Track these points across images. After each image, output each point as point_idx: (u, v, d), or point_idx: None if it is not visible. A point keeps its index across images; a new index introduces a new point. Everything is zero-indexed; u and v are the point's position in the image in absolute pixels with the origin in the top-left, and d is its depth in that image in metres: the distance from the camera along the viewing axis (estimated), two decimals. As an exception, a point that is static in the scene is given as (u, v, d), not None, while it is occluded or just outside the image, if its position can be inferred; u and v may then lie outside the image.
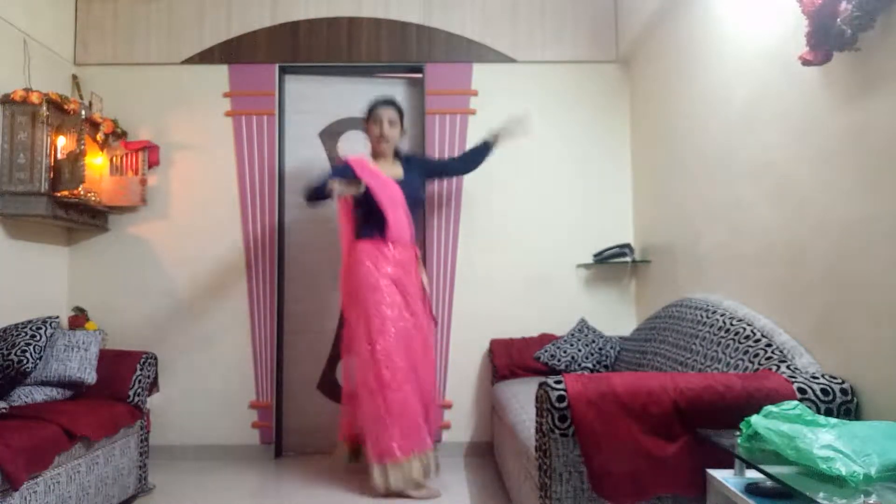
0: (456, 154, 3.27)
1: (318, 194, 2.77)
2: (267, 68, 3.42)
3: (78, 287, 3.34)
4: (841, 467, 1.13)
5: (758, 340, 1.88)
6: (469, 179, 3.42)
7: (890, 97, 1.50)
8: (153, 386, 2.79)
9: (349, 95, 3.54)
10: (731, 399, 1.56)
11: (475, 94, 3.45)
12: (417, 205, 2.95)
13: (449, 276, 3.39)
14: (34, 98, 2.78)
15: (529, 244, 3.41)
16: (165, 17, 3.44)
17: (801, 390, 1.57)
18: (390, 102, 2.91)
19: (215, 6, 3.45)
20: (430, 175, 3.07)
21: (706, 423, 1.55)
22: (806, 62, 1.67)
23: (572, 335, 3.15)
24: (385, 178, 2.80)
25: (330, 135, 3.54)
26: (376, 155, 2.93)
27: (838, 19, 1.53)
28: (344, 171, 2.79)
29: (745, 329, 1.95)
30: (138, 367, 2.66)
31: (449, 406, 3.34)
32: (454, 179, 3.42)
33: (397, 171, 2.90)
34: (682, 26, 2.73)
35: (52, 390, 2.50)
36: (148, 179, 3.35)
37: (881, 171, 1.53)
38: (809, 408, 1.47)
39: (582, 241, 3.40)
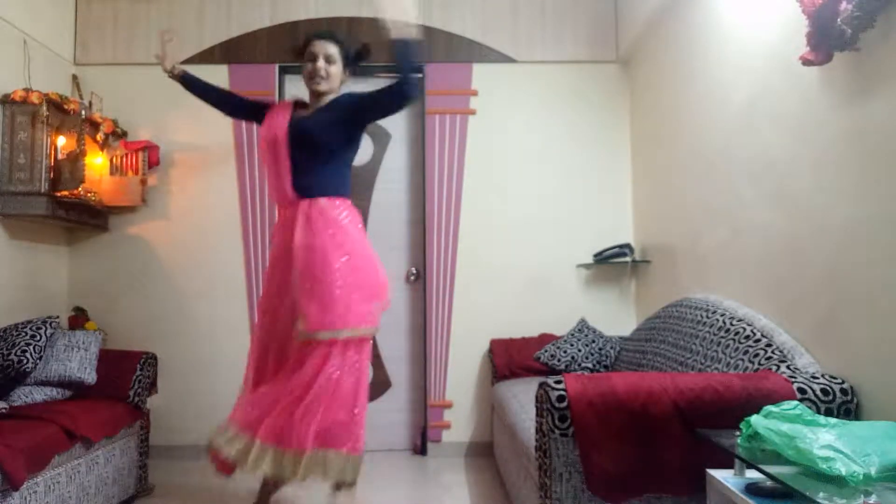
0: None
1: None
2: (267, 68, 3.42)
3: (78, 287, 3.34)
4: (841, 467, 1.13)
5: (758, 340, 1.87)
6: (469, 179, 3.42)
7: (890, 97, 1.50)
8: (153, 386, 2.78)
9: (349, 95, 3.53)
10: (730, 399, 1.56)
11: (475, 94, 3.45)
12: (318, 148, 2.22)
13: (449, 276, 3.39)
14: (34, 98, 2.78)
15: (529, 244, 3.41)
16: (165, 17, 3.44)
17: (801, 390, 1.57)
18: (329, 35, 2.33)
19: (215, 6, 3.45)
20: (357, 111, 2.26)
21: (706, 423, 1.55)
22: (806, 62, 1.67)
23: (572, 335, 3.15)
24: (276, 120, 2.28)
25: (330, 135, 3.54)
26: (311, 98, 2.35)
27: (838, 19, 1.53)
28: (262, 104, 2.46)
29: (745, 329, 1.95)
30: (138, 367, 2.66)
31: (449, 406, 3.34)
32: (453, 179, 3.42)
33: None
34: (682, 26, 2.73)
35: (52, 390, 2.50)
36: (148, 179, 3.35)
37: (881, 171, 1.53)
38: (809, 408, 1.46)
39: (582, 241, 3.40)
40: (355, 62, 2.37)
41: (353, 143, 2.31)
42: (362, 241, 2.27)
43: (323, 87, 2.29)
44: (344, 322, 2.09)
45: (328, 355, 2.07)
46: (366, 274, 2.21)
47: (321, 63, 2.28)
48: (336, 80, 2.32)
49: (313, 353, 2.07)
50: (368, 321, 2.17)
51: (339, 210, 2.22)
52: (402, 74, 2.15)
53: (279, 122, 2.26)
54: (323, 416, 2.05)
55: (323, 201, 2.20)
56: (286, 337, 2.20)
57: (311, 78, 2.29)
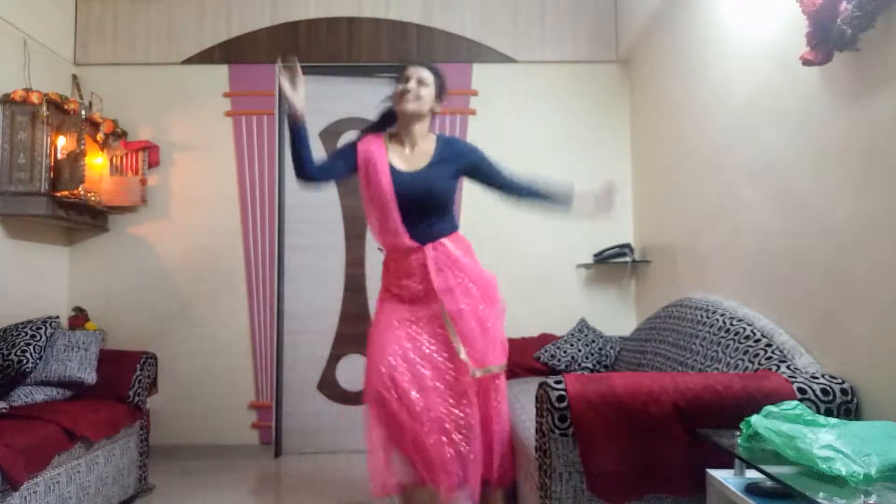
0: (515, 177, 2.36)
1: (295, 145, 2.19)
2: (267, 68, 3.42)
3: (78, 287, 3.34)
4: (841, 467, 1.13)
5: (758, 340, 1.87)
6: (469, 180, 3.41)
7: (890, 97, 1.50)
8: (153, 386, 2.79)
9: (349, 95, 3.54)
10: (731, 399, 1.56)
11: (475, 94, 3.45)
12: (431, 202, 2.20)
13: (449, 276, 3.38)
14: (34, 98, 2.78)
15: (529, 244, 3.41)
16: (165, 17, 3.44)
17: (801, 390, 1.57)
18: (424, 63, 2.29)
19: (215, 6, 3.45)
20: (469, 173, 2.31)
21: (706, 423, 1.55)
22: (806, 62, 1.67)
23: (572, 335, 3.15)
24: (380, 168, 2.19)
25: (330, 135, 3.54)
26: (402, 125, 2.26)
27: (838, 19, 1.53)
28: (348, 151, 2.25)
29: (745, 329, 1.95)
30: (138, 367, 2.66)
31: (449, 406, 3.34)
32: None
33: (421, 157, 2.22)
34: (682, 26, 2.73)
35: (52, 390, 2.50)
36: (148, 179, 3.35)
37: (881, 170, 1.53)
38: (809, 408, 1.46)
39: (582, 241, 3.40)
40: (442, 98, 2.28)
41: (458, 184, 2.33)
42: (482, 269, 2.31)
43: (411, 107, 2.20)
44: (504, 354, 2.21)
45: (498, 388, 2.16)
46: (492, 301, 2.26)
47: (413, 84, 2.20)
48: (426, 103, 2.22)
49: (490, 387, 2.13)
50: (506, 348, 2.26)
51: (460, 247, 2.26)
52: (527, 200, 2.28)
53: (382, 176, 2.18)
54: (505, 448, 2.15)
55: (447, 244, 2.21)
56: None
57: (402, 96, 2.21)
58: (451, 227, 2.29)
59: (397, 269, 2.25)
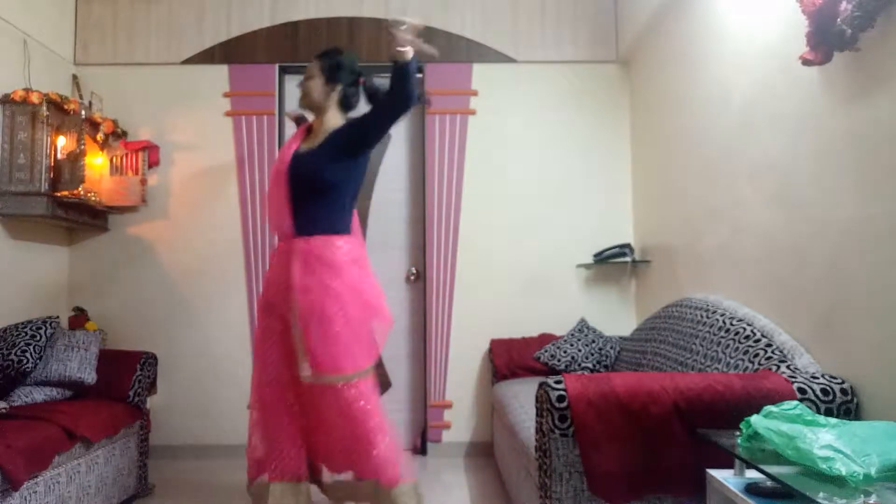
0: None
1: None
2: (267, 68, 3.42)
3: (78, 287, 3.34)
4: (841, 467, 1.13)
5: (758, 340, 1.87)
6: (469, 179, 3.42)
7: (890, 97, 1.50)
8: (153, 386, 2.78)
9: (349, 95, 3.53)
10: (731, 399, 1.56)
11: (475, 94, 3.45)
12: (315, 186, 2.12)
13: (449, 276, 3.39)
14: (34, 98, 2.78)
15: (529, 244, 3.41)
16: (165, 17, 3.44)
17: (801, 390, 1.57)
18: (317, 54, 2.28)
19: (215, 6, 3.45)
20: (350, 140, 2.15)
21: (706, 423, 1.55)
22: (806, 62, 1.67)
23: (572, 335, 3.15)
24: (284, 152, 2.24)
25: (330, 135, 3.54)
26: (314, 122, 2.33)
27: (838, 19, 1.54)
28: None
29: (745, 329, 1.95)
30: (138, 367, 2.66)
31: (449, 406, 3.35)
32: (453, 179, 3.42)
33: (318, 141, 2.22)
34: (682, 26, 2.73)
35: (52, 390, 2.50)
36: (148, 179, 3.35)
37: (881, 171, 1.53)
38: (809, 408, 1.46)
39: (582, 241, 3.40)
40: (337, 79, 2.23)
41: (352, 176, 2.19)
42: (360, 277, 2.17)
43: (301, 104, 2.28)
44: (353, 366, 2.08)
45: (337, 397, 2.07)
46: (364, 309, 2.14)
47: (303, 82, 2.25)
48: (314, 94, 2.22)
49: (324, 395, 2.11)
50: (370, 357, 2.16)
51: (334, 249, 2.12)
52: (399, 94, 2.08)
53: (284, 155, 2.22)
54: (346, 455, 2.15)
55: (319, 240, 2.11)
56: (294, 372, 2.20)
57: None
58: (338, 227, 2.17)
59: (274, 255, 2.26)
